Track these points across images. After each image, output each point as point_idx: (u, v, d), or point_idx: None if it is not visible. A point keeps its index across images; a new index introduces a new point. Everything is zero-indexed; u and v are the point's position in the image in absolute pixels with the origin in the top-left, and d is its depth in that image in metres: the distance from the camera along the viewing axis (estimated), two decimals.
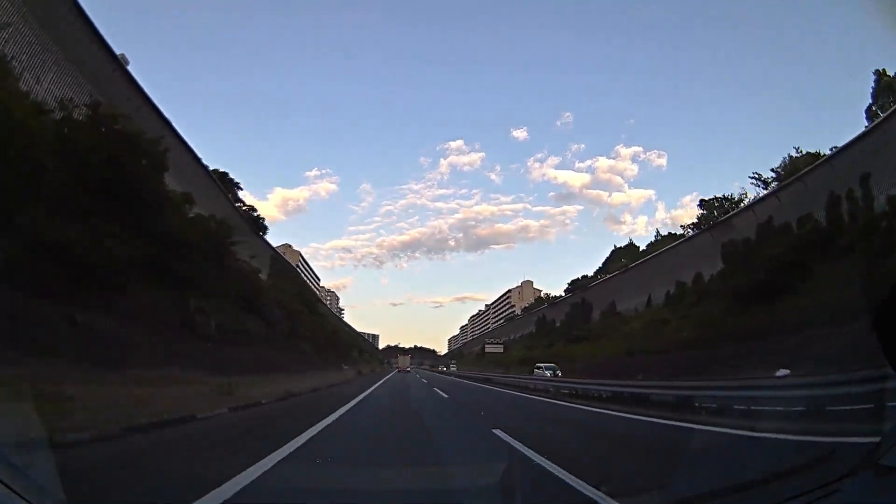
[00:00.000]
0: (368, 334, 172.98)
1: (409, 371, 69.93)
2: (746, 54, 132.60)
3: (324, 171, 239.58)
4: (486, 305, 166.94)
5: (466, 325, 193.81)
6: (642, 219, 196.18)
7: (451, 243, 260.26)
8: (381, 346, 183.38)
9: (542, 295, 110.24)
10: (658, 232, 65.20)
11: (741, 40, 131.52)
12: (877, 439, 2.45)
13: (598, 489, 4.00)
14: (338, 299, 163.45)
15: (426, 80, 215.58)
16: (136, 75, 28.07)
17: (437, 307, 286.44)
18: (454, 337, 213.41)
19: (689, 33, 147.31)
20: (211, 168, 41.24)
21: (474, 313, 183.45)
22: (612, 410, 12.21)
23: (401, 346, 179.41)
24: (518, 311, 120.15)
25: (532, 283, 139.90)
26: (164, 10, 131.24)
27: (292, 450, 6.12)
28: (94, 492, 3.89)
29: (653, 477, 4.79)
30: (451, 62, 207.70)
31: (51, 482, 2.63)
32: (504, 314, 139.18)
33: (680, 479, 4.18)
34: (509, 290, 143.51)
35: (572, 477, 4.57)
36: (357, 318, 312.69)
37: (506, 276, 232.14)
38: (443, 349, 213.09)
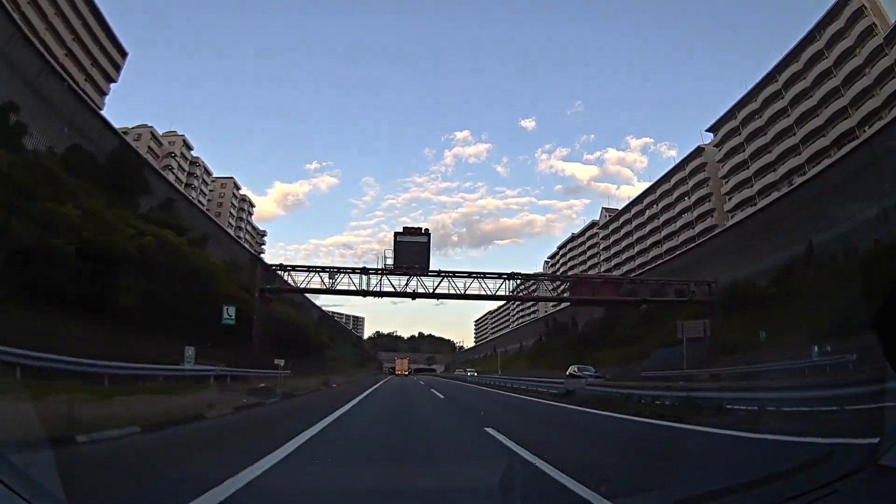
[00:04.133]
0: (345, 315, 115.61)
1: (407, 375, 58.89)
2: (757, 50, 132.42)
3: (324, 164, 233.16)
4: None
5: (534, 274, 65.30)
6: None
7: (455, 238, 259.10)
8: (370, 337, 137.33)
9: None
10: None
11: (751, 36, 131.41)
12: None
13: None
14: (261, 234, 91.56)
15: (432, 69, 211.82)
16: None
17: (437, 305, 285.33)
18: (490, 314, 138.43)
19: (701, 27, 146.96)
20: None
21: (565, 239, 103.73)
22: None
23: (398, 333, 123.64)
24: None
25: None
26: (163, 4, 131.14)
27: None
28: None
29: None
30: (458, 50, 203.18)
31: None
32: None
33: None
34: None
35: None
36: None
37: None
38: (467, 341, 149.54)
